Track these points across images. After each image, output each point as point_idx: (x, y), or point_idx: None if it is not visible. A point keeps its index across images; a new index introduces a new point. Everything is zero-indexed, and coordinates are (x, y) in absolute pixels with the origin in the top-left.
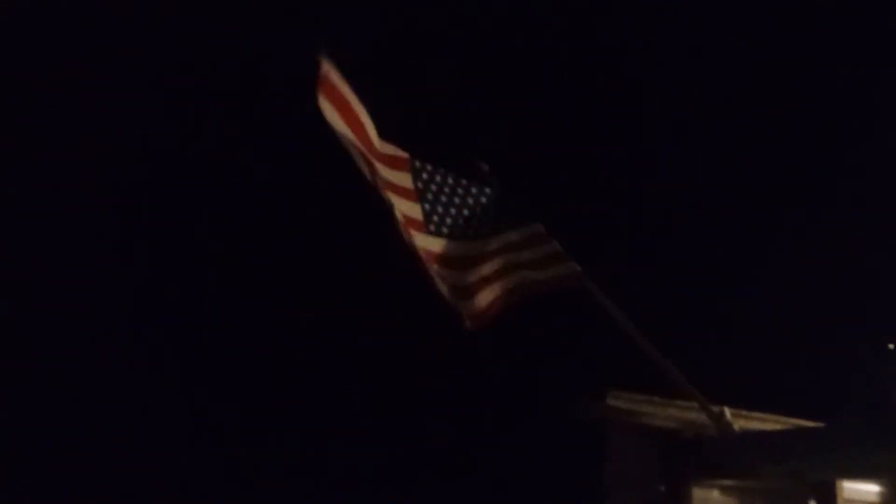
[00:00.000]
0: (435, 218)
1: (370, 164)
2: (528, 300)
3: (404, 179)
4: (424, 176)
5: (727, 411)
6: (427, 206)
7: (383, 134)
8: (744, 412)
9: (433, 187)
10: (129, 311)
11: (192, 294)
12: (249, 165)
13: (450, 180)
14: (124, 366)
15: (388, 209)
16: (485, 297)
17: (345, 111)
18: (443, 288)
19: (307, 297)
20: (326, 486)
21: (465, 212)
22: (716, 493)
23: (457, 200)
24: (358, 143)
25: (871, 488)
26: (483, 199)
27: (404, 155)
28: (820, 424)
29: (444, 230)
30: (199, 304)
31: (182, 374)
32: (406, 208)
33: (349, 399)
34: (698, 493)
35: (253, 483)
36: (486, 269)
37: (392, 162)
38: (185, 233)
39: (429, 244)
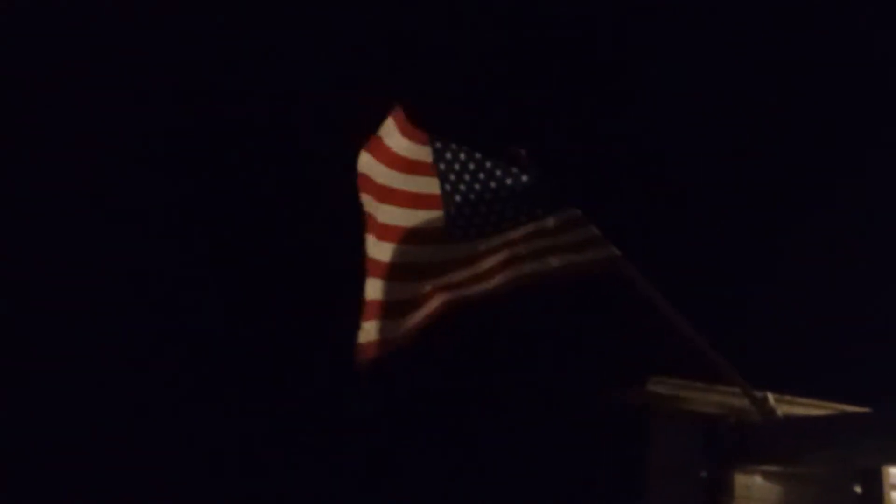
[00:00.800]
0: (461, 222)
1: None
2: (565, 285)
3: (431, 185)
4: (452, 177)
5: (770, 397)
6: (453, 210)
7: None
8: (787, 397)
9: (462, 187)
10: (128, 311)
11: (193, 293)
12: (250, 164)
13: (481, 175)
14: (124, 366)
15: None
16: (433, 305)
17: (386, 155)
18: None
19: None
20: (356, 478)
21: (498, 206)
22: (759, 480)
23: (487, 196)
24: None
25: None
26: (517, 188)
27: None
28: (866, 409)
29: (472, 231)
30: (200, 304)
31: (181, 374)
32: (428, 219)
33: (381, 389)
34: (741, 479)
35: (261, 484)
36: (505, 254)
37: (424, 168)
38: (185, 231)
39: (455, 251)
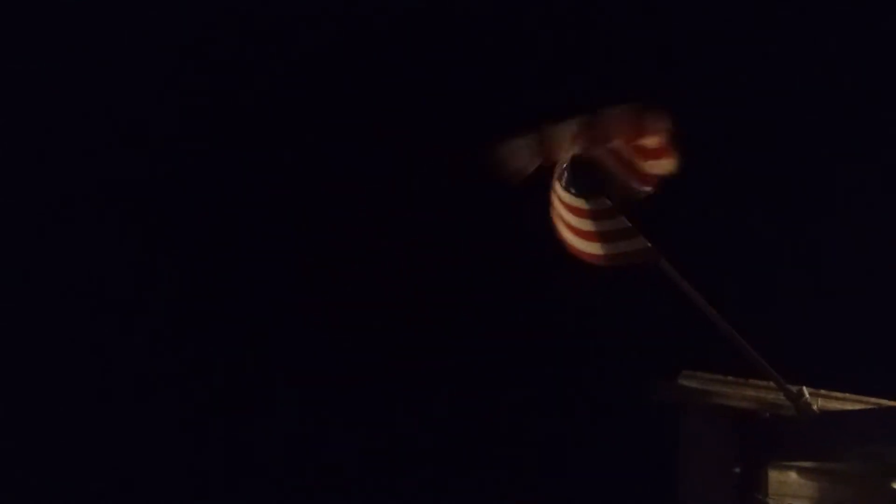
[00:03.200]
0: None
1: None
2: (593, 276)
3: None
4: None
5: (806, 391)
6: None
7: None
8: (823, 392)
9: None
10: (127, 311)
11: (192, 293)
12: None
13: None
14: (123, 365)
15: None
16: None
17: None
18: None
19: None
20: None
21: None
22: (793, 476)
23: None
24: None
25: None
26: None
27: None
28: None
29: None
30: (200, 303)
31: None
32: None
33: (410, 383)
34: (775, 475)
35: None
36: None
37: None
38: (185, 230)
39: None
